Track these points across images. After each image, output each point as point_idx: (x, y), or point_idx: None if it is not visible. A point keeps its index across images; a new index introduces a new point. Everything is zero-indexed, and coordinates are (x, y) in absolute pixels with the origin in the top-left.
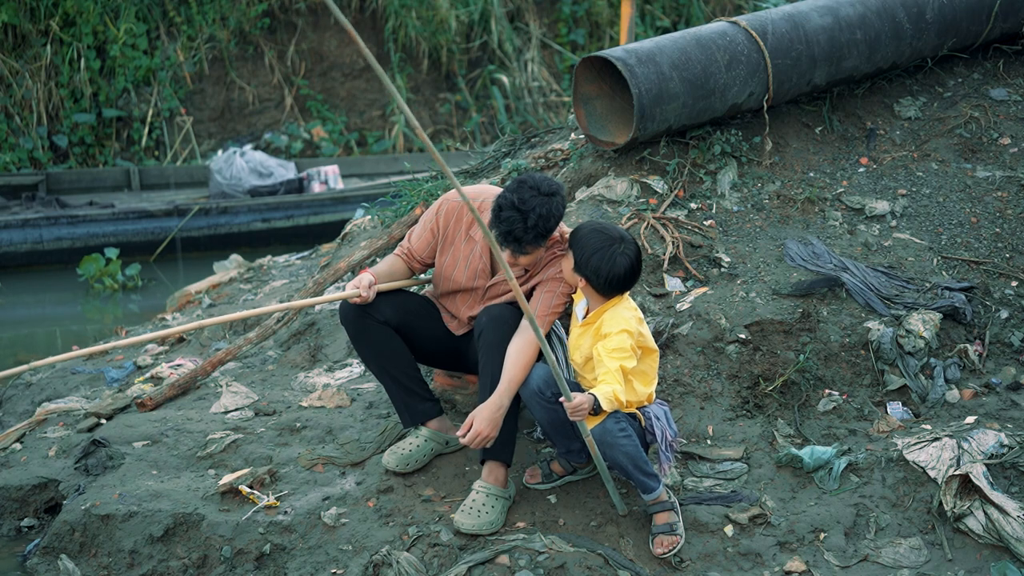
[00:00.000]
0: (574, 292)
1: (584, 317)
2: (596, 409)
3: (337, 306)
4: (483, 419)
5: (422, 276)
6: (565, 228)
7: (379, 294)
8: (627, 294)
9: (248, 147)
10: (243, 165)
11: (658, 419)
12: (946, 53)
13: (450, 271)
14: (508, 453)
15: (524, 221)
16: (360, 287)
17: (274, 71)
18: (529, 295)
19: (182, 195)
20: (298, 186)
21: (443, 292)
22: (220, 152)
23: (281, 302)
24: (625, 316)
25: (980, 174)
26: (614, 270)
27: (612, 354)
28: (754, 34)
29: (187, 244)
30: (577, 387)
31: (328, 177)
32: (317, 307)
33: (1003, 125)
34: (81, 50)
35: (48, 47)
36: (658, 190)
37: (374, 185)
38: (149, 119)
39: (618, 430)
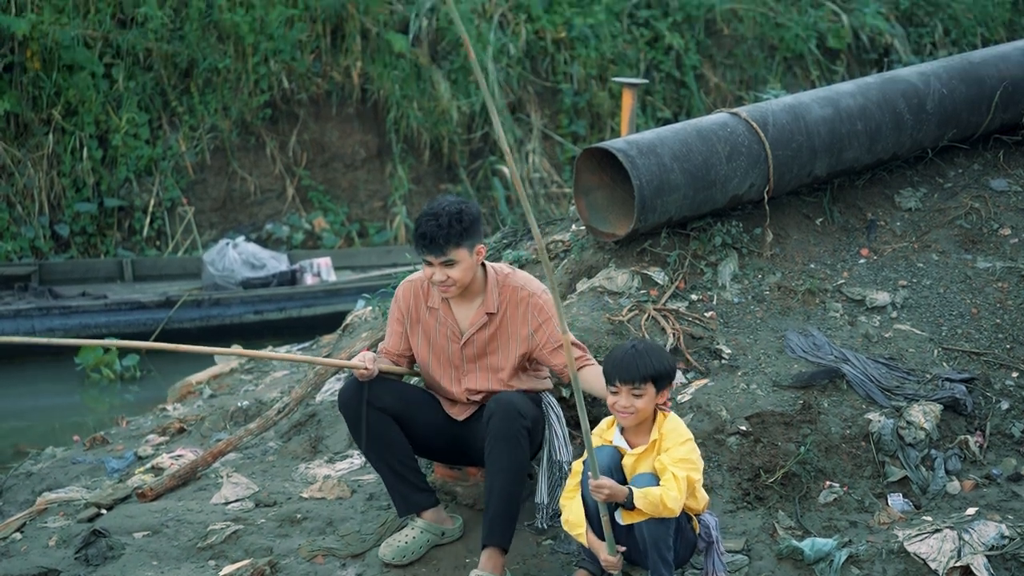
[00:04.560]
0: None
1: (631, 446)
2: (628, 504)
3: (337, 397)
4: None
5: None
6: (536, 285)
7: (379, 381)
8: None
9: (241, 239)
10: (236, 257)
11: (713, 528)
12: (946, 144)
13: (426, 349)
14: (508, 539)
15: (436, 220)
16: (364, 360)
17: (276, 161)
18: (496, 350)
19: (175, 287)
20: (291, 278)
21: (429, 374)
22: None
23: (283, 393)
24: (684, 426)
25: (981, 265)
26: (672, 358)
27: (679, 464)
28: (755, 126)
29: (180, 336)
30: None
31: (321, 269)
32: (318, 398)
33: (1003, 216)
34: (83, 139)
35: (50, 136)
36: (659, 281)
37: (367, 277)
38: (151, 209)
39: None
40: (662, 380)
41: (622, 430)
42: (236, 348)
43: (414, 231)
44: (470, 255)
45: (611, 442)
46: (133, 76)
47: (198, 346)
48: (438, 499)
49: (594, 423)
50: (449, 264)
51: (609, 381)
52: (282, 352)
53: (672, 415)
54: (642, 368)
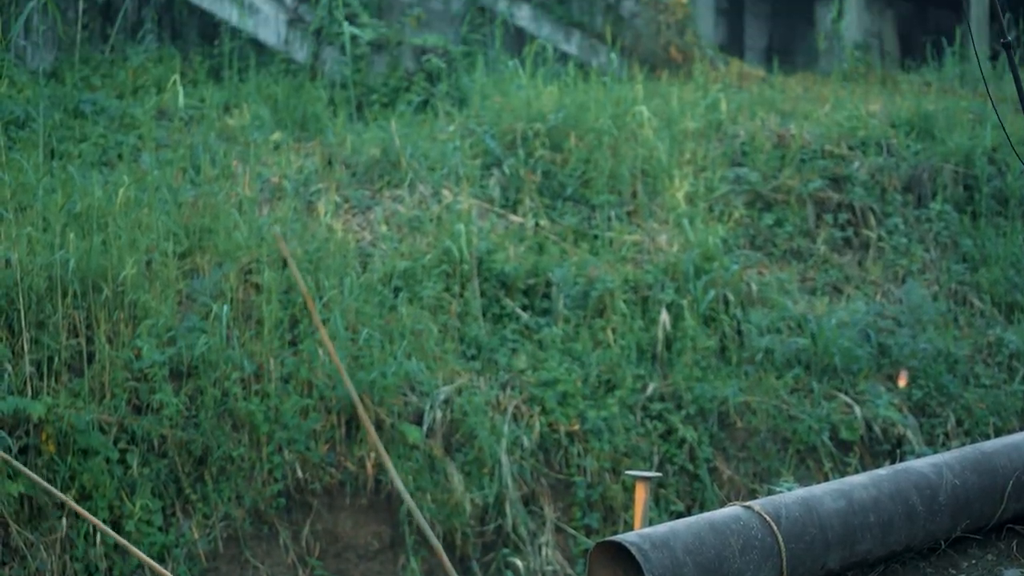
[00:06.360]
0: None
1: None
2: None
3: None
4: None
5: None
6: None
7: None
8: None
9: None
10: None
11: None
12: (959, 535)
13: None
14: None
15: None
16: None
17: (289, 551)
18: None
19: None
20: None
21: None
22: None
23: None
24: None
25: None
26: None
27: None
28: (768, 519)
29: None
30: None
31: None
32: None
33: None
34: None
35: (64, 520)
36: None
37: None
38: None
39: None
40: None
41: None
42: None
43: None
44: None
45: None
46: (147, 462)
47: None
48: None
49: None
50: None
51: None
52: None
53: None
54: None
